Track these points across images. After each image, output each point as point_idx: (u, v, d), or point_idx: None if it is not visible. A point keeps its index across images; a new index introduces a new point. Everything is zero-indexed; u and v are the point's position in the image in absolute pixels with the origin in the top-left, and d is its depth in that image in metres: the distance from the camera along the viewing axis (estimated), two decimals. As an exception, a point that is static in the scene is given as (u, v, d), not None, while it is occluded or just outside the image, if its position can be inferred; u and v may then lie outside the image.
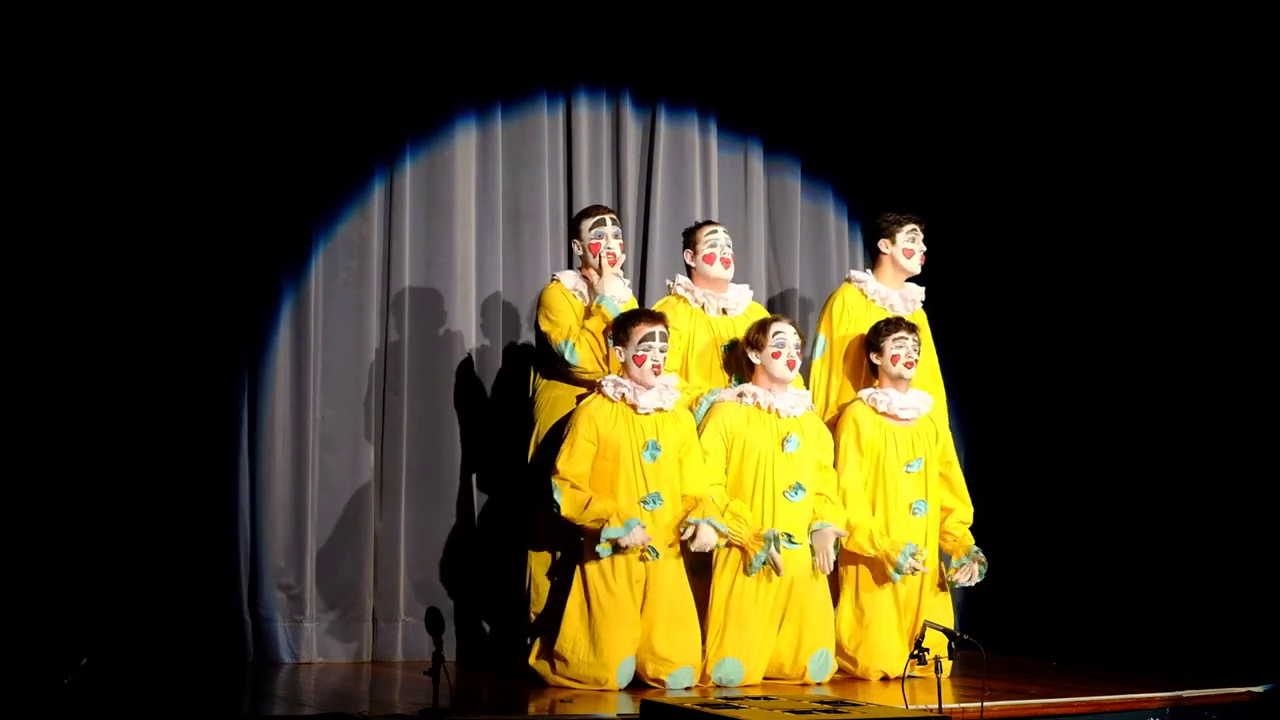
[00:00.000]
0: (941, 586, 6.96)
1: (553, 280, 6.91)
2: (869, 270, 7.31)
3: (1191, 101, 7.57)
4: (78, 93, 6.87)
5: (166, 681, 6.34)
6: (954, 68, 8.43)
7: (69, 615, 6.56)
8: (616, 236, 6.87)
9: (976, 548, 6.96)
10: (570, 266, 7.26)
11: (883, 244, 7.24)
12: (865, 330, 7.05)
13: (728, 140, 8.31)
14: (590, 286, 6.81)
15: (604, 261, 6.79)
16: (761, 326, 6.73)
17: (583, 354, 6.66)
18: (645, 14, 8.02)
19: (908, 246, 7.21)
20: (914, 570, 6.73)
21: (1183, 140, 7.60)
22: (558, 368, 6.74)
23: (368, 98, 7.41)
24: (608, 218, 6.89)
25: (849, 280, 7.31)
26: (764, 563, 6.47)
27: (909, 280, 7.30)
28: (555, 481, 6.33)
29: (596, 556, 6.29)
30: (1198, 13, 7.48)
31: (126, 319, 6.90)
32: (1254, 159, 7.33)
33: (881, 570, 6.76)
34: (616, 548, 6.27)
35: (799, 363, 6.74)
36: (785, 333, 6.69)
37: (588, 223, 6.87)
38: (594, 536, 6.28)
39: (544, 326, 6.78)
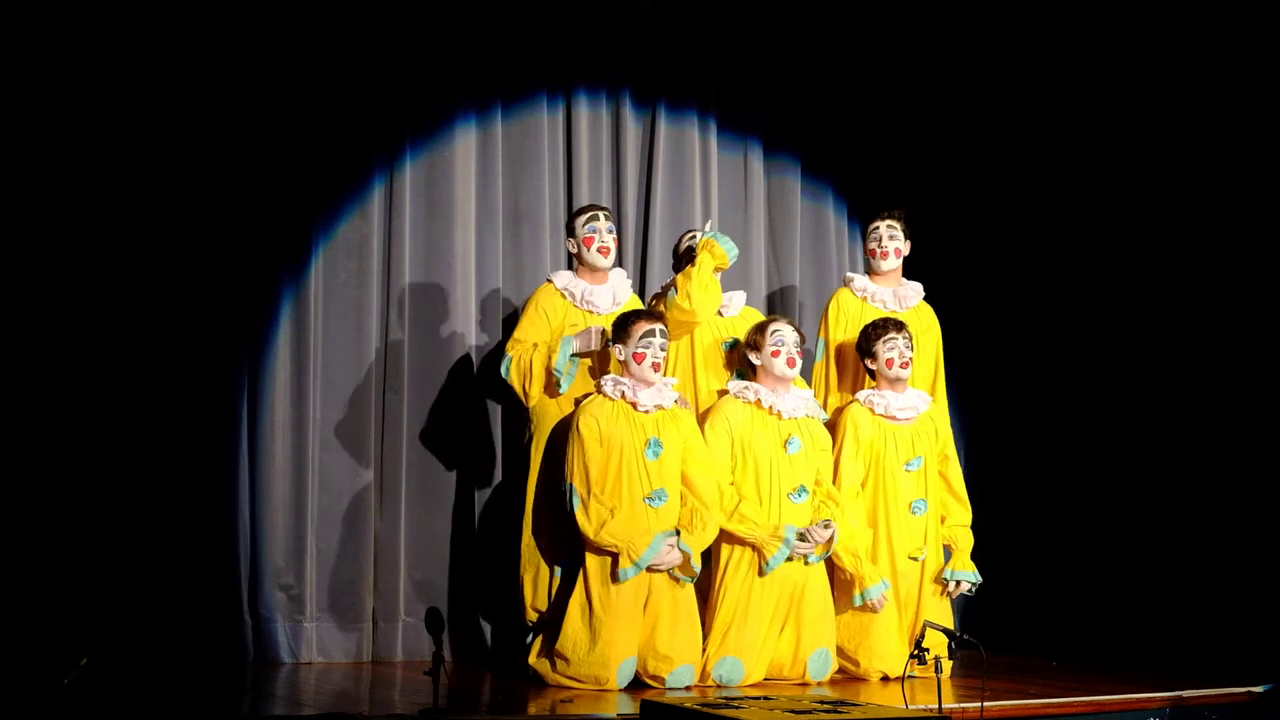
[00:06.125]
0: (944, 584, 6.93)
1: (546, 281, 6.93)
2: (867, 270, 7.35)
3: (1192, 101, 7.57)
4: (78, 93, 6.87)
5: (166, 681, 6.34)
6: (954, 67, 8.43)
7: (69, 615, 6.57)
8: (610, 231, 6.88)
9: (972, 574, 6.91)
10: (569, 267, 7.27)
11: (868, 243, 7.29)
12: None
13: (728, 140, 8.31)
14: (584, 287, 6.81)
15: (596, 257, 6.79)
16: (759, 328, 6.75)
17: (513, 374, 6.67)
18: (645, 14, 8.02)
19: (872, 246, 7.23)
20: (877, 605, 6.69)
21: (1183, 140, 7.59)
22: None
23: (368, 98, 7.41)
24: (601, 213, 6.91)
25: (845, 282, 7.35)
26: (784, 559, 6.49)
27: (909, 278, 7.30)
28: (575, 485, 6.32)
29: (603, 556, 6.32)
30: (1196, 12, 7.48)
31: (127, 319, 6.90)
32: (1254, 157, 7.33)
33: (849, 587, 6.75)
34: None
35: (799, 360, 6.74)
36: (783, 331, 6.70)
37: (581, 219, 6.89)
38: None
39: (516, 328, 6.83)
